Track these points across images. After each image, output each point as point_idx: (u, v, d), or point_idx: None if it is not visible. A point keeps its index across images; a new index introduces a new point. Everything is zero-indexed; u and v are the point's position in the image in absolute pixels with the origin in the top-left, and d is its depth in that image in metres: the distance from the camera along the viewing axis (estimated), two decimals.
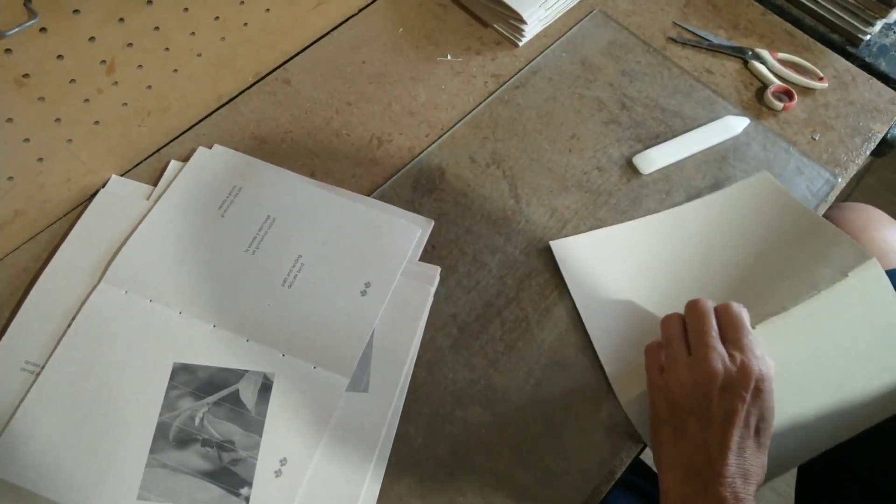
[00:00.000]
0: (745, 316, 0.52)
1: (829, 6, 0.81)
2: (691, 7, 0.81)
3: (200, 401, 0.54)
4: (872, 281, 0.58)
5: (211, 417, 0.54)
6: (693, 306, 0.54)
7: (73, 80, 0.54)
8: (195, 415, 0.54)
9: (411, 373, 0.58)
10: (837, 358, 0.58)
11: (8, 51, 0.48)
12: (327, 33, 0.75)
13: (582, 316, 0.61)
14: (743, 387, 0.48)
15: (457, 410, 0.57)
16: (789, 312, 0.56)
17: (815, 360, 0.57)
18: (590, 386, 0.59)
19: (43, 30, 0.49)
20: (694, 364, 0.50)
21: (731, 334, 0.51)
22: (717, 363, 0.49)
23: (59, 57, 0.51)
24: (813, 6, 0.82)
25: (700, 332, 0.51)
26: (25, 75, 0.50)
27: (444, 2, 0.79)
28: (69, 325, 0.56)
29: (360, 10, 0.77)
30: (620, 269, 0.64)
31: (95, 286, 0.58)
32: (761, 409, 0.49)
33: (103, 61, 0.55)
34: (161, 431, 0.53)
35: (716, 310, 0.53)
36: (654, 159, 0.69)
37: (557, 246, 0.64)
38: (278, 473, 0.52)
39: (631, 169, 0.69)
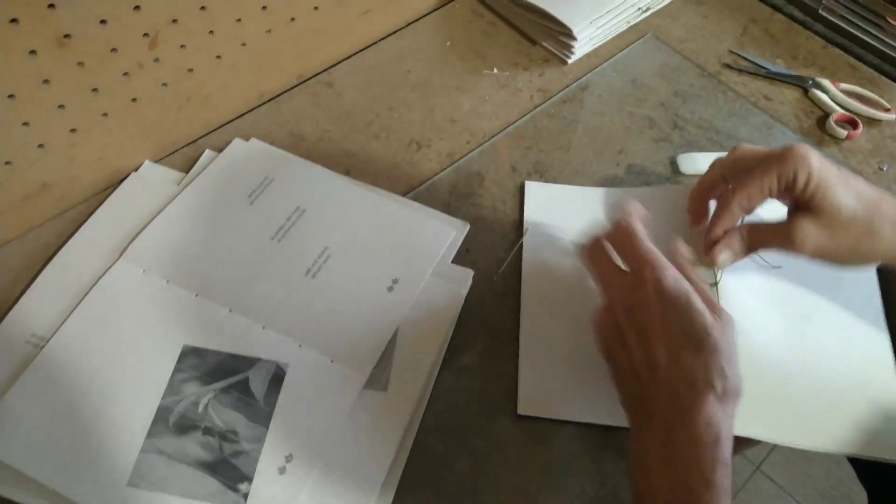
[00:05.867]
0: (633, 227, 0.48)
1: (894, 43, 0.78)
2: (748, 36, 0.79)
3: (207, 386, 0.50)
4: None
5: (216, 405, 0.50)
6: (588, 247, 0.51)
7: (114, 50, 0.53)
8: (199, 401, 0.50)
9: (435, 377, 0.53)
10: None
11: (51, 6, 0.48)
12: (374, 43, 0.75)
13: (524, 258, 0.59)
14: (642, 299, 0.45)
15: (483, 422, 0.52)
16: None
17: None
18: None
19: None
20: (603, 298, 0.49)
21: (623, 251, 0.48)
22: (612, 289, 0.48)
23: (103, 22, 0.51)
24: (878, 45, 0.79)
25: (598, 266, 0.50)
26: (67, 36, 0.50)
27: (493, 20, 0.78)
28: (80, 301, 0.53)
29: (409, 24, 0.77)
30: (578, 226, 0.60)
31: (113, 264, 0.55)
32: (675, 311, 0.44)
33: (146, 34, 0.55)
34: (161, 416, 0.49)
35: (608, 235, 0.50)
36: (698, 162, 0.66)
37: (531, 188, 0.64)
38: (282, 471, 0.47)
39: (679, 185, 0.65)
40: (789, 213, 0.53)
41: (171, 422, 0.49)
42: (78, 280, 0.55)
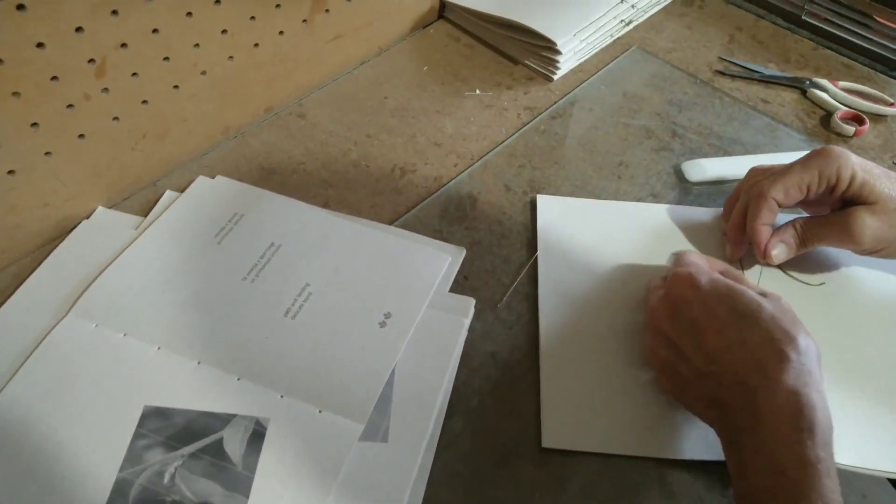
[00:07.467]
0: (678, 255, 0.48)
1: (888, 44, 0.75)
2: (735, 43, 0.76)
3: (173, 452, 0.42)
4: None
5: (185, 473, 0.41)
6: None
7: (55, 78, 0.47)
8: (165, 470, 0.42)
9: (442, 421, 0.45)
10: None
11: None
12: (347, 73, 0.70)
13: (539, 275, 0.53)
14: (680, 295, 0.43)
15: (502, 469, 0.44)
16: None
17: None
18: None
19: (21, 7, 0.43)
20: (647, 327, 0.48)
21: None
22: (654, 302, 0.46)
23: (40, 45, 0.45)
24: (868, 46, 0.76)
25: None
26: None
27: (470, 43, 0.74)
28: (21, 364, 0.46)
29: (382, 51, 0.73)
30: (594, 242, 0.56)
31: (61, 320, 0.48)
32: (716, 295, 0.42)
33: (92, 60, 0.49)
34: (119, 491, 0.41)
35: None
36: (705, 168, 0.61)
37: (544, 201, 0.58)
38: None
39: (687, 194, 0.60)
40: (835, 211, 0.51)
41: (132, 498, 0.40)
42: (20, 342, 0.47)
